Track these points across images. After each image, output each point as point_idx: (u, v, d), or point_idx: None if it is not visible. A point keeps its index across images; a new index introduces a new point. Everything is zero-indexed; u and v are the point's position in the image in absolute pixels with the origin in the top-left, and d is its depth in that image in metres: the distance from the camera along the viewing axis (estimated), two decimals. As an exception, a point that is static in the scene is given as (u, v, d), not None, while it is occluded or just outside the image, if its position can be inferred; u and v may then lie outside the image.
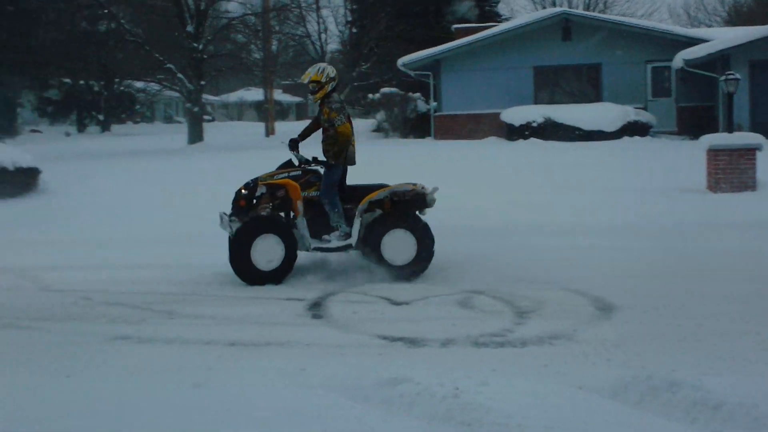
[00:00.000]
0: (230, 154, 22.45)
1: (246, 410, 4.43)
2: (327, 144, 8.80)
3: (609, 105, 25.43)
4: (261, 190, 8.71)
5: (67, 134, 44.14)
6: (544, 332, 6.15)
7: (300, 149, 9.08)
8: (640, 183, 14.93)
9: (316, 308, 7.31)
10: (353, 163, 8.96)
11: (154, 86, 43.21)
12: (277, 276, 8.45)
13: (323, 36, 38.53)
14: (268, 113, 39.29)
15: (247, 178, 8.93)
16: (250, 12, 36.25)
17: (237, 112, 65.20)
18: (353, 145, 8.93)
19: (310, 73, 8.81)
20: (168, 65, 30.31)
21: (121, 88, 50.05)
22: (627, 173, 16.10)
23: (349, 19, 41.47)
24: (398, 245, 8.58)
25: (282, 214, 8.91)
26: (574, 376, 4.98)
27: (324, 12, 39.51)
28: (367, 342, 6.06)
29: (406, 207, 8.85)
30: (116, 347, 6.01)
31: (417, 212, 8.89)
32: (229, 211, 8.84)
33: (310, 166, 8.90)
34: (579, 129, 24.32)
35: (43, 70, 39.82)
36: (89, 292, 8.27)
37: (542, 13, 30.87)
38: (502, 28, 29.00)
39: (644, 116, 25.06)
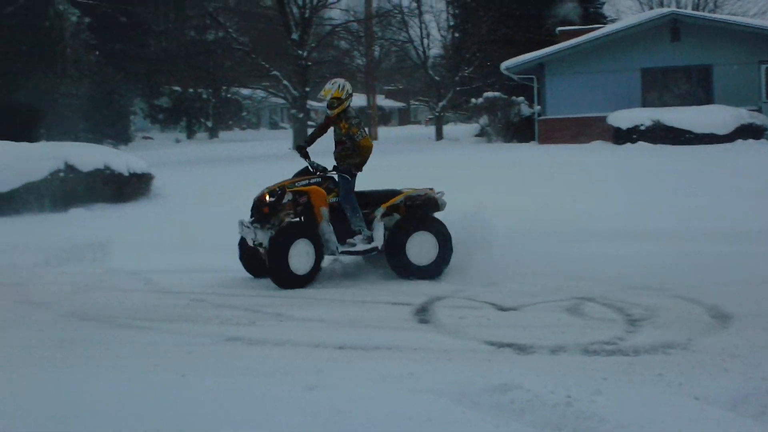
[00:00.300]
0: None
1: (357, 413, 4.46)
2: (343, 155, 9.25)
3: (721, 107, 24.60)
4: (287, 197, 8.93)
5: (177, 141, 45.45)
6: (658, 341, 5.99)
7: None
8: (755, 186, 14.40)
9: (422, 313, 7.31)
10: (361, 169, 9.28)
11: (260, 93, 44.26)
12: (308, 279, 8.72)
13: (425, 41, 38.54)
14: (371, 118, 39.65)
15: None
16: (353, 19, 36.72)
17: (340, 117, 65.82)
18: None
19: (331, 90, 9.22)
20: (274, 72, 30.95)
21: (229, 95, 51.31)
22: (740, 177, 15.56)
23: (452, 23, 41.41)
24: (421, 247, 8.93)
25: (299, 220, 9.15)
26: (690, 386, 4.84)
27: (426, 17, 39.58)
28: (474, 347, 6.01)
29: (420, 210, 9.19)
30: (228, 348, 6.14)
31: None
32: (247, 218, 9.12)
33: (327, 173, 9.18)
34: (689, 132, 23.64)
35: (154, 78, 41.26)
36: (201, 294, 8.49)
37: (650, 14, 30.17)
38: (608, 30, 28.47)
39: (759, 118, 24.17)
